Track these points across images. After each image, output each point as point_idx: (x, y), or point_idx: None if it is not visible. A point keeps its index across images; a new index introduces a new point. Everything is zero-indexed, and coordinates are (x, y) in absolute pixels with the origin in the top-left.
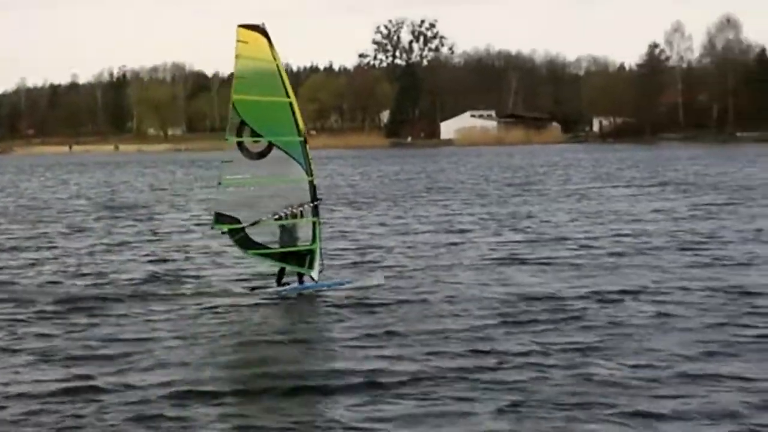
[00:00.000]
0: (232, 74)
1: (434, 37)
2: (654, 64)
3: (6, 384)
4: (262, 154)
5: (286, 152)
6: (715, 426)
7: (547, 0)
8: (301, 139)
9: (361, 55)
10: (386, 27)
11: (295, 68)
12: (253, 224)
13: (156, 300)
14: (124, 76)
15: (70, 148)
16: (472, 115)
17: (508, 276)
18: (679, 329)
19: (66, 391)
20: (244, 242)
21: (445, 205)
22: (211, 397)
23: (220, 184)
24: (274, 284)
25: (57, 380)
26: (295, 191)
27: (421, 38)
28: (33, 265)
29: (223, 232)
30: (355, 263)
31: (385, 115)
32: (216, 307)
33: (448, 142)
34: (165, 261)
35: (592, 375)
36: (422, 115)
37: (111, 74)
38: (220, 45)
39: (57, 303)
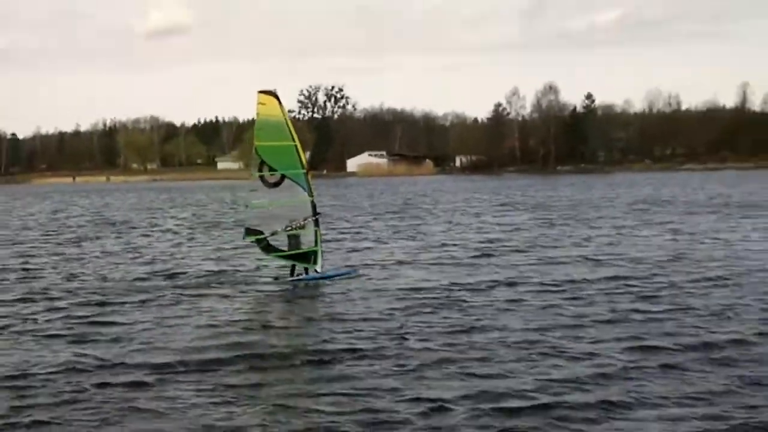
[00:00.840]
0: (195, 124)
1: (342, 98)
2: (498, 117)
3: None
4: (276, 184)
5: (294, 181)
6: (541, 382)
7: (423, 70)
8: (304, 171)
9: (289, 111)
10: (307, 90)
11: (241, 119)
12: (272, 234)
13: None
14: (114, 125)
15: (74, 179)
16: (369, 154)
17: (403, 273)
18: (527, 311)
19: (112, 366)
20: (267, 248)
21: (356, 219)
22: (233, 362)
23: (248, 206)
24: (289, 276)
25: (95, 357)
26: (301, 209)
27: (333, 99)
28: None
29: (251, 242)
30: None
31: (307, 155)
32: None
33: (352, 174)
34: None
35: (462, 343)
36: (333, 154)
37: (104, 124)
38: (185, 102)
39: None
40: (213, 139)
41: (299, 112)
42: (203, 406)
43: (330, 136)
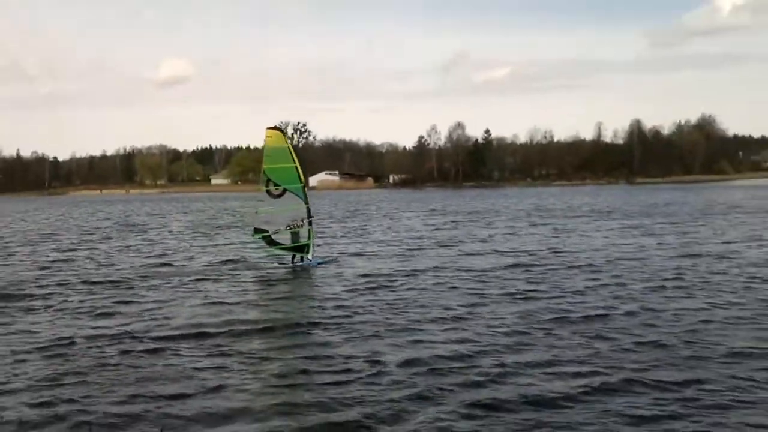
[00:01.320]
0: (194, 149)
1: (306, 131)
2: (421, 146)
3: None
4: (279, 195)
5: (293, 193)
6: (460, 347)
7: (366, 110)
8: (302, 185)
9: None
10: (280, 126)
11: (230, 146)
12: (275, 232)
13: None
14: (132, 151)
15: (101, 191)
16: (326, 173)
17: (354, 263)
18: (446, 291)
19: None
20: (271, 242)
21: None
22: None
23: (257, 212)
24: (290, 262)
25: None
26: (299, 213)
27: (299, 132)
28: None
29: (259, 238)
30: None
31: None
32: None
33: (313, 188)
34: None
35: (398, 316)
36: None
37: (125, 150)
38: (186, 133)
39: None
40: (208, 161)
41: None
42: (200, 369)
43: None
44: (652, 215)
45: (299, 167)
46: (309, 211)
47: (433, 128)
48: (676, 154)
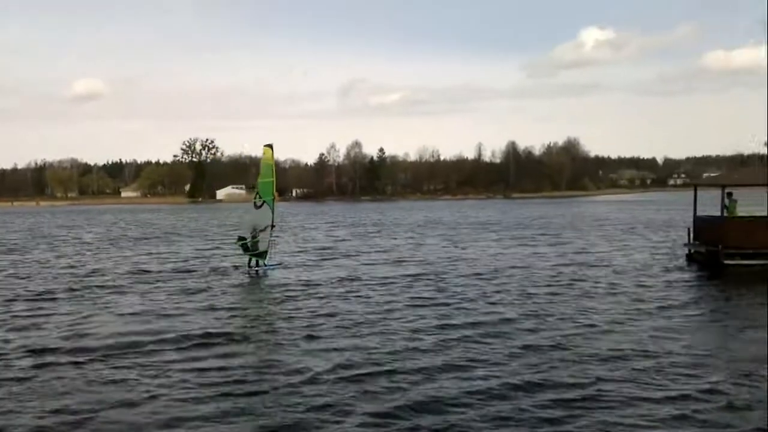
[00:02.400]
0: (104, 164)
1: (213, 147)
2: (322, 163)
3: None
4: (259, 207)
5: (268, 205)
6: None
7: (269, 129)
8: (272, 198)
9: (175, 156)
10: (188, 141)
11: (140, 161)
12: (252, 239)
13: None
14: (44, 164)
15: (12, 203)
16: (233, 187)
17: (268, 273)
18: (354, 299)
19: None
20: (245, 249)
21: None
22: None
23: (240, 221)
24: (246, 266)
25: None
26: (266, 220)
27: (206, 148)
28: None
29: (240, 245)
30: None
31: (187, 187)
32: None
33: (220, 201)
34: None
35: (319, 323)
36: (207, 187)
37: (36, 163)
38: (97, 147)
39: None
40: (118, 174)
41: (182, 157)
42: (121, 381)
43: (204, 174)
44: (529, 227)
45: (274, 182)
46: (273, 222)
47: (333, 146)
48: (546, 172)
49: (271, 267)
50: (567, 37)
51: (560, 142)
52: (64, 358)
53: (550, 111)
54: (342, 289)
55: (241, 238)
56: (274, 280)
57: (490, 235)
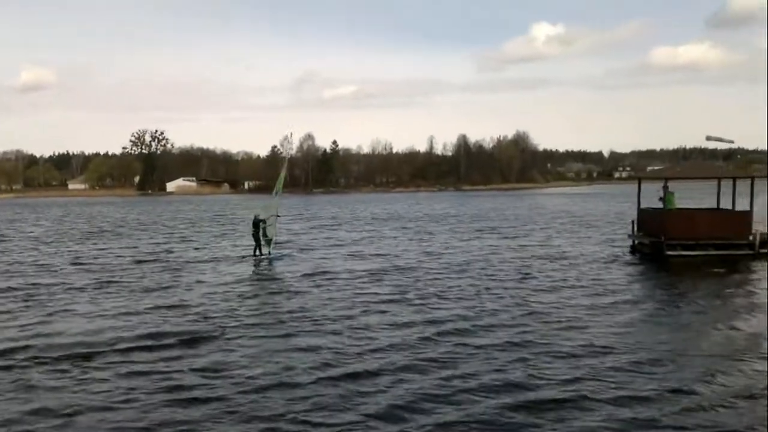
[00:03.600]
0: (51, 155)
1: (163, 139)
2: (275, 155)
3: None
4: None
5: (277, 195)
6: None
7: (223, 121)
8: (281, 189)
9: (124, 148)
10: (137, 133)
11: (87, 152)
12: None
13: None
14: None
15: None
16: (183, 179)
17: (229, 270)
18: (320, 294)
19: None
20: (257, 235)
21: (178, 227)
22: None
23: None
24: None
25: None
26: (272, 212)
27: (156, 140)
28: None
29: (252, 232)
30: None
31: (135, 179)
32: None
33: (171, 193)
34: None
35: (280, 324)
36: (157, 179)
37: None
38: (44, 138)
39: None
40: (65, 166)
41: (131, 149)
42: (77, 385)
43: (154, 166)
44: (485, 219)
45: (283, 176)
46: (277, 212)
47: (286, 138)
48: (496, 165)
49: (277, 257)
50: (518, 32)
51: (510, 135)
52: (18, 362)
53: (501, 105)
54: (306, 284)
55: (261, 221)
56: (236, 275)
57: (449, 228)
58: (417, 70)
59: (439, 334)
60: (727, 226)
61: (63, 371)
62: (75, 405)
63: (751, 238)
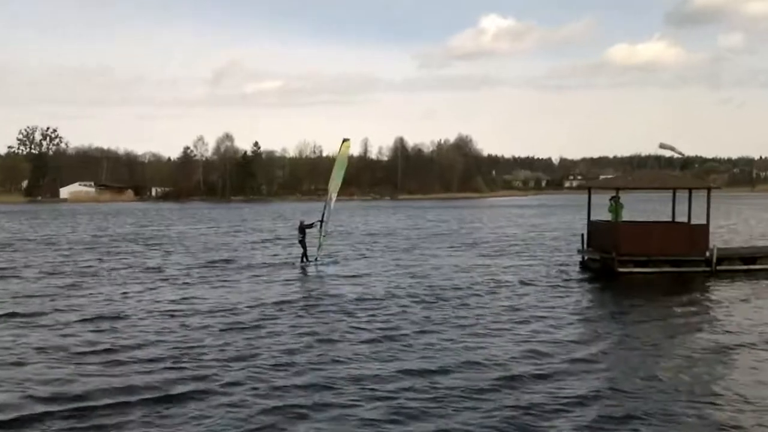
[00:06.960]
0: None
1: (56, 137)
2: (187, 157)
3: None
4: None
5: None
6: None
7: (126, 117)
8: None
9: (9, 147)
10: (25, 130)
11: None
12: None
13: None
14: None
15: None
16: (80, 184)
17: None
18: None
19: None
20: (303, 241)
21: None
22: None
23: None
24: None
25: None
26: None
27: (48, 138)
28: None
29: (299, 238)
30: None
31: (24, 183)
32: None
33: (64, 200)
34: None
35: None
36: (49, 183)
37: None
38: None
39: None
40: None
41: (18, 148)
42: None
43: (45, 168)
44: (433, 237)
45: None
46: (323, 215)
47: (200, 139)
48: (437, 172)
49: (326, 263)
50: (465, 24)
51: (452, 139)
52: None
53: (443, 106)
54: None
55: (307, 225)
56: (155, 297)
57: (398, 246)
58: (351, 65)
59: (369, 354)
60: (683, 241)
61: None
62: None
63: (708, 254)
